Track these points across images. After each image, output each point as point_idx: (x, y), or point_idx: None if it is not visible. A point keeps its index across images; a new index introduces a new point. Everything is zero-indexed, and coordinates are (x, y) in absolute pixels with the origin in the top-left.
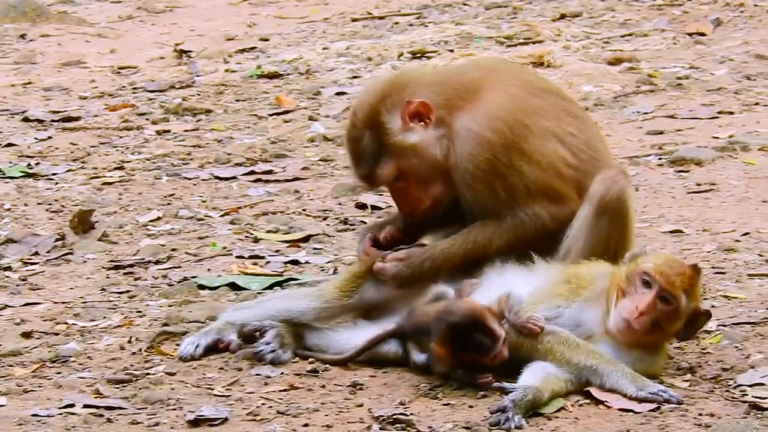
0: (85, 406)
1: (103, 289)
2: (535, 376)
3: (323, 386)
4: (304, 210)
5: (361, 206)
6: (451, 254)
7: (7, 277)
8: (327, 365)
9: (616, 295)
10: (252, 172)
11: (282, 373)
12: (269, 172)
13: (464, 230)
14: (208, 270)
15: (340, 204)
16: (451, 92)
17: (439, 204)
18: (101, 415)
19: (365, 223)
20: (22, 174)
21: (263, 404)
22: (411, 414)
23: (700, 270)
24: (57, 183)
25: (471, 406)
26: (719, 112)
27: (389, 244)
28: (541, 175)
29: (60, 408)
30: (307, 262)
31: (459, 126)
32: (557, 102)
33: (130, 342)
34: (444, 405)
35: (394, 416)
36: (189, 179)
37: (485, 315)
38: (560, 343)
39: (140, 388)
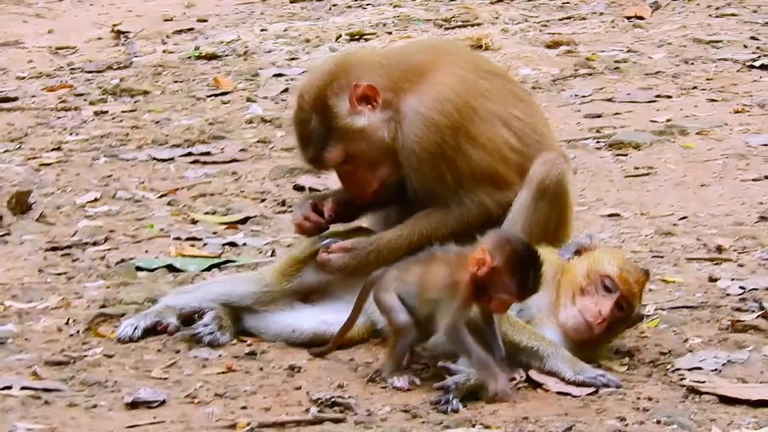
0: (23, 388)
1: (40, 271)
2: None
3: (261, 369)
4: (242, 192)
5: (299, 188)
6: (397, 245)
7: None
8: (264, 348)
9: (572, 291)
10: (190, 154)
11: (220, 356)
12: (207, 153)
13: (410, 220)
14: (146, 252)
15: (278, 186)
16: (398, 74)
17: (386, 186)
18: (39, 397)
19: None
20: None
21: (201, 386)
22: (349, 397)
23: (649, 274)
24: None
25: (409, 389)
26: (657, 96)
27: (330, 219)
28: (486, 159)
29: None
30: (244, 244)
31: (406, 108)
32: (504, 85)
33: (67, 324)
34: (382, 388)
35: (333, 399)
36: (127, 160)
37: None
38: (505, 322)
39: (78, 370)
